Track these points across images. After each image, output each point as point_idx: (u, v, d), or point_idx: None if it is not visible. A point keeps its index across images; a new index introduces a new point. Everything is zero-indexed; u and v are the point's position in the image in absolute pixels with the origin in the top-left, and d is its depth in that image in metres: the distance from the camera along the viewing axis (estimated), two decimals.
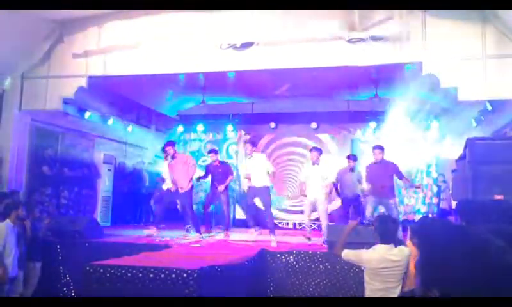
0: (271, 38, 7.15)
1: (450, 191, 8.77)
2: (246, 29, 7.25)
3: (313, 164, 7.40)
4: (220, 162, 8.57)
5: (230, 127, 11.87)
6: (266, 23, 7.17)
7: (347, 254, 3.71)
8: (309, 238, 7.36)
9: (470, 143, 5.81)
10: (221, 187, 8.04)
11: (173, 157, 7.57)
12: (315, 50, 7.05)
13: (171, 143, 7.79)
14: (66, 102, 8.27)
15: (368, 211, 7.06)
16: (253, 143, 7.74)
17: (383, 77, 8.86)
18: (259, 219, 7.64)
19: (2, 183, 7.74)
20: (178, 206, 8.22)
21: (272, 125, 11.50)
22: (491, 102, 7.65)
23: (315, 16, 6.96)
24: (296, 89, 10.04)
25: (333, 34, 6.85)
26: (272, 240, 6.87)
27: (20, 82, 8.18)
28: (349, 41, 6.48)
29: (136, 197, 10.64)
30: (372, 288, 3.55)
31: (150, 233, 7.50)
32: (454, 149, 10.09)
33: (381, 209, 7.15)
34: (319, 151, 7.53)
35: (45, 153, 8.67)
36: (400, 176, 7.36)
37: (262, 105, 11.47)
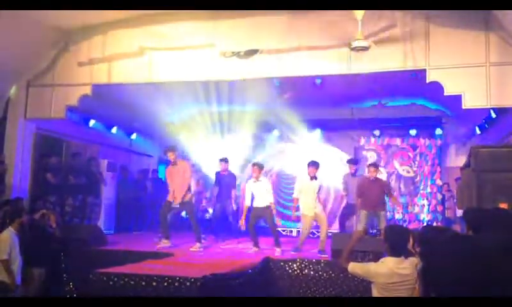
0: (274, 46, 7.18)
1: (455, 200, 8.73)
2: (249, 38, 7.28)
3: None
4: (228, 171, 8.62)
5: None
6: (270, 31, 7.19)
7: (354, 267, 3.49)
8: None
9: (474, 151, 5.78)
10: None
11: (173, 164, 7.42)
12: (318, 58, 7.06)
13: (172, 148, 7.48)
14: (70, 110, 8.32)
15: (361, 224, 7.15)
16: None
17: (386, 85, 8.87)
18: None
19: (7, 191, 7.77)
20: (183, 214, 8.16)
21: (276, 132, 11.50)
22: (495, 110, 7.63)
23: (319, 24, 6.98)
24: (300, 97, 10.03)
25: (336, 42, 6.87)
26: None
27: (26, 90, 8.23)
28: (353, 49, 6.49)
29: (139, 204, 10.63)
30: None
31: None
32: (458, 157, 10.09)
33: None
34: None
35: (50, 160, 8.69)
36: (390, 194, 7.50)
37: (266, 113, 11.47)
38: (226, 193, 8.42)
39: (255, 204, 7.30)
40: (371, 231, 5.65)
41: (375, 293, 3.40)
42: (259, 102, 9.97)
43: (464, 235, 3.54)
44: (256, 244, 7.26)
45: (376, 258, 3.63)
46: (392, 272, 3.26)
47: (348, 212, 8.34)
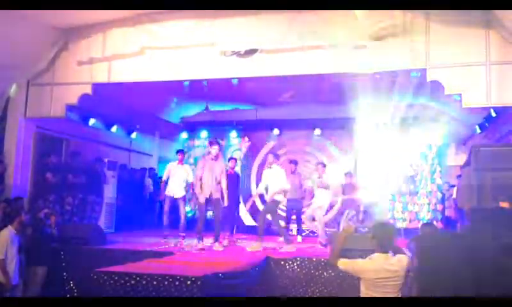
0: (274, 45, 7.17)
1: (454, 196, 8.74)
2: (249, 37, 7.27)
3: None
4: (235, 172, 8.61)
5: (233, 134, 11.88)
6: (270, 30, 7.18)
7: (344, 263, 3.47)
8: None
9: (475, 150, 5.78)
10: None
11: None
12: (318, 56, 7.05)
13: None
14: (70, 109, 8.30)
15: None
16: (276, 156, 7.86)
17: (385, 83, 8.85)
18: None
19: (6, 190, 7.76)
20: None
21: (276, 131, 11.50)
22: (495, 109, 7.63)
23: (319, 23, 6.97)
24: (300, 96, 10.03)
25: (336, 41, 6.86)
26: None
27: (25, 89, 8.22)
28: (353, 48, 6.47)
29: (139, 203, 10.64)
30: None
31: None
32: (458, 156, 10.10)
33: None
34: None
35: (49, 159, 8.69)
36: None
37: (266, 111, 11.47)
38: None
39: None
40: (361, 229, 5.66)
41: (363, 289, 3.41)
42: None
43: (462, 234, 3.54)
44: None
45: (366, 255, 3.62)
46: (379, 267, 3.30)
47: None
